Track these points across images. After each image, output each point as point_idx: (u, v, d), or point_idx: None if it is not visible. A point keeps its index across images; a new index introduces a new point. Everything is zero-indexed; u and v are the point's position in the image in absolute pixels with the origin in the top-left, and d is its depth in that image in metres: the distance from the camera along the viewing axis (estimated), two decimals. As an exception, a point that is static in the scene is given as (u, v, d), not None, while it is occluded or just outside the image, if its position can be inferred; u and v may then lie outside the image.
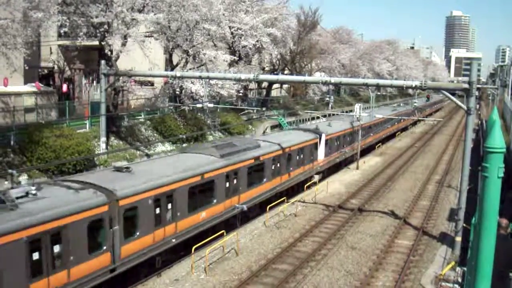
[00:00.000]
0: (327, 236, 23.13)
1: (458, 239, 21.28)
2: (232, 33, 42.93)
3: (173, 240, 18.89)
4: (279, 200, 27.01)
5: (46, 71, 43.61)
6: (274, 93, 65.06)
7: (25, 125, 26.65)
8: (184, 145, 35.34)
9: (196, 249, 19.34)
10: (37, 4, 23.26)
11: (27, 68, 26.73)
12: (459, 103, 21.88)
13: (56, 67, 44.48)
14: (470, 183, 23.29)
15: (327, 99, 71.03)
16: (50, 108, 31.31)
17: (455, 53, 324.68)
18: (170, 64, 38.70)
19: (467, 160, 21.59)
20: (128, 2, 29.08)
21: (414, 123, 74.19)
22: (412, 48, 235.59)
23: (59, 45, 42.07)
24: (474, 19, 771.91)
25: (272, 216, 25.38)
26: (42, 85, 33.71)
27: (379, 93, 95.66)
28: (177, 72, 29.48)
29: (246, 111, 47.63)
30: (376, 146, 51.73)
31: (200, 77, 29.97)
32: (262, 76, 29.35)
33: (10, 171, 18.23)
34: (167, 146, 34.35)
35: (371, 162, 43.71)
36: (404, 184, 35.57)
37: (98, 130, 29.50)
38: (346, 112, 65.87)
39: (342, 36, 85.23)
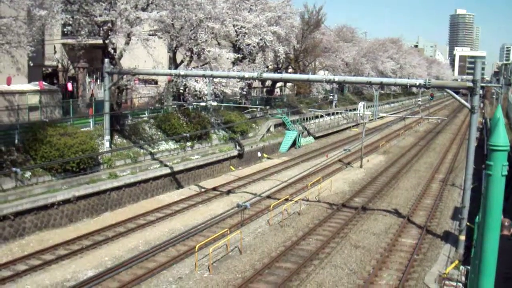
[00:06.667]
0: (331, 234, 23.13)
1: (462, 237, 21.24)
2: (236, 31, 42.91)
3: None
4: (282, 198, 27.03)
5: (50, 69, 43.76)
6: (278, 91, 65.00)
7: (29, 123, 26.71)
8: (188, 143, 35.36)
9: (199, 248, 19.38)
10: (41, 2, 23.26)
11: (32, 64, 26.74)
12: (463, 101, 21.85)
13: (60, 65, 44.62)
14: (474, 181, 23.19)
15: (331, 97, 70.98)
16: (54, 107, 31.36)
17: (459, 51, 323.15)
18: (173, 63, 38.68)
19: (471, 159, 21.53)
20: (132, 1, 29.10)
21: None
22: (416, 46, 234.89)
23: (63, 44, 42.16)
24: (478, 18, 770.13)
25: (275, 215, 25.39)
26: (46, 83, 33.75)
27: (382, 91, 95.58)
28: (181, 71, 29.52)
29: (249, 109, 47.62)
30: (380, 145, 51.65)
31: (204, 76, 29.99)
32: (265, 75, 29.38)
33: (14, 169, 18.32)
34: (171, 145, 34.37)
35: (374, 160, 43.65)
36: (408, 182, 35.50)
37: (102, 129, 29.57)
38: (350, 110, 65.89)
39: (346, 35, 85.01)
